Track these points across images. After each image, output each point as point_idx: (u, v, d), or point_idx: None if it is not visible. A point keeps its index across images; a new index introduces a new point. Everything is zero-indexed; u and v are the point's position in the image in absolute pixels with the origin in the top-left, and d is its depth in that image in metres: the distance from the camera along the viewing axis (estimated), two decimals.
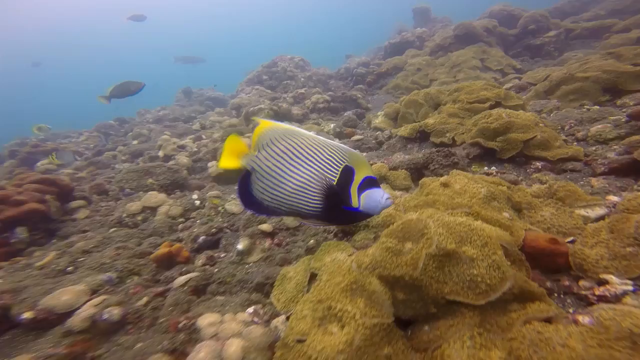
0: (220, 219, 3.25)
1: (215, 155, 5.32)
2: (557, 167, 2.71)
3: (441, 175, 2.57)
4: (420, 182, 2.15)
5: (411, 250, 1.34)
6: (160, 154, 5.93)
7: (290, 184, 1.28)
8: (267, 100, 7.92)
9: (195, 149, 5.99)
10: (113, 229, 3.21)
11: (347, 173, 1.25)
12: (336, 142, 1.31)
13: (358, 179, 1.26)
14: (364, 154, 3.92)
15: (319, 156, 1.26)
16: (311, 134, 1.31)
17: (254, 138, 1.34)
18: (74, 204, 3.66)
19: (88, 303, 2.15)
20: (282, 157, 1.29)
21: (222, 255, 2.77)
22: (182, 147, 6.24)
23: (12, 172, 6.37)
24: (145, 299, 2.25)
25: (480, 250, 1.29)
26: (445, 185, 1.93)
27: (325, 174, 1.25)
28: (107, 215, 3.68)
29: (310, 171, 1.26)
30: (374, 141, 4.20)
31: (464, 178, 1.98)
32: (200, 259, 2.66)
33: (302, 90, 8.33)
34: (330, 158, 1.26)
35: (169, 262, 2.62)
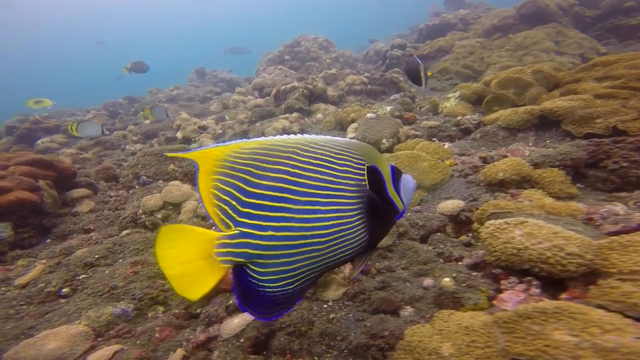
0: None
1: (245, 137, 4.47)
2: None
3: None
4: None
5: None
6: (179, 135, 5.11)
7: (319, 235, 0.78)
8: (294, 80, 7.04)
9: (220, 131, 5.16)
10: (126, 232, 2.39)
11: (374, 175, 0.89)
12: (332, 138, 0.88)
13: (386, 175, 0.91)
14: (446, 144, 3.04)
15: (334, 168, 0.83)
16: (297, 136, 0.84)
17: (206, 198, 0.75)
18: (76, 192, 2.86)
19: (90, 358, 1.35)
20: (286, 202, 0.76)
21: None
22: (203, 129, 5.42)
23: (9, 150, 5.63)
24: (180, 354, 1.45)
25: None
26: None
27: (354, 187, 0.85)
28: (117, 209, 2.87)
29: (338, 196, 0.82)
30: (454, 128, 3.31)
31: None
32: None
33: (334, 71, 7.42)
34: (348, 164, 0.86)
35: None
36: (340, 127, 4.45)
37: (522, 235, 1.25)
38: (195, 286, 0.75)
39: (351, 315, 1.57)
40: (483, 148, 2.81)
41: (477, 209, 1.80)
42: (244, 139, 0.79)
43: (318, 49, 10.58)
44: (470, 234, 1.80)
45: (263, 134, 4.45)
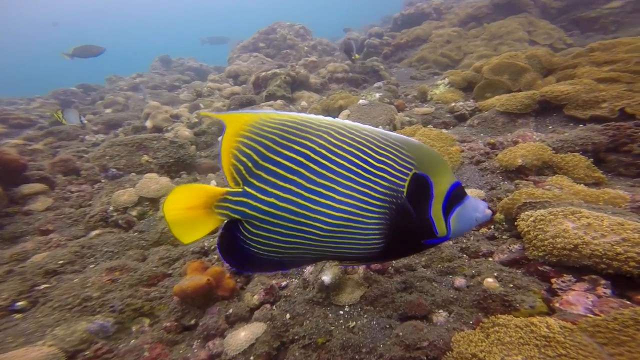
0: None
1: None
2: None
3: None
4: None
5: None
6: (149, 124, 4.63)
7: (321, 222, 0.76)
8: (274, 67, 6.69)
9: (196, 119, 4.73)
10: (95, 232, 2.03)
11: (421, 186, 0.78)
12: (383, 131, 0.79)
13: (440, 192, 0.79)
14: (443, 131, 2.93)
15: (367, 161, 0.76)
16: (336, 119, 0.78)
17: (225, 157, 0.76)
18: (27, 188, 2.41)
19: None
20: (299, 177, 0.75)
21: (283, 283, 1.72)
22: (175, 117, 4.96)
23: None
24: None
25: None
26: None
27: (385, 189, 0.77)
28: (81, 206, 2.46)
29: (359, 191, 0.76)
30: (448, 115, 3.22)
31: None
32: (256, 293, 1.60)
33: (314, 58, 7.16)
34: (388, 162, 0.77)
35: (205, 297, 1.53)
36: (327, 114, 4.24)
37: (578, 227, 1.12)
38: (190, 231, 0.78)
39: (375, 322, 1.39)
40: (482, 134, 2.74)
41: (500, 198, 1.68)
42: (274, 111, 0.76)
43: (295, 36, 10.23)
44: (493, 226, 1.68)
45: None
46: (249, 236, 0.78)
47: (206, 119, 4.67)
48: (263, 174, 0.75)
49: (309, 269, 1.76)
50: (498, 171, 1.92)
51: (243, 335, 1.31)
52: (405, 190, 0.77)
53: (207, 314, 1.54)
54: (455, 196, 0.81)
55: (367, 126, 0.79)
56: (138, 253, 1.80)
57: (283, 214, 0.75)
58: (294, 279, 1.78)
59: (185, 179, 2.90)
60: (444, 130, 2.92)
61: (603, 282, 1.04)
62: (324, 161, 0.74)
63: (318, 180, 0.74)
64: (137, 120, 5.07)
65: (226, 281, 1.62)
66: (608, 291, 1.03)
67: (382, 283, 1.57)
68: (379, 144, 0.76)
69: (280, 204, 0.74)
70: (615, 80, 2.22)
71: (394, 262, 1.69)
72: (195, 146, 3.58)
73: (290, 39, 10.11)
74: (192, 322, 1.51)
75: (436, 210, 0.79)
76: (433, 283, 1.48)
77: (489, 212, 0.85)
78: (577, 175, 1.63)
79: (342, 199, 0.74)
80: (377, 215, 0.76)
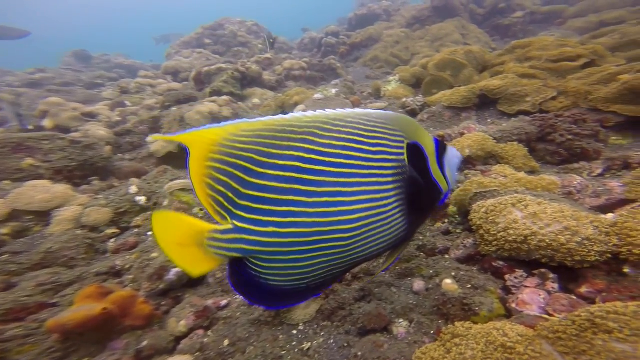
0: None
1: (156, 124, 3.63)
2: None
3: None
4: None
5: None
6: (47, 124, 3.84)
7: (340, 231, 0.69)
8: (220, 62, 6.21)
9: (118, 118, 4.12)
10: None
11: (416, 153, 0.78)
12: (363, 110, 0.77)
13: (431, 152, 0.81)
14: None
15: (363, 150, 0.71)
16: (318, 112, 0.73)
17: (199, 187, 0.66)
18: None
19: None
20: (297, 195, 0.66)
21: (223, 302, 1.44)
22: (91, 116, 4.22)
23: None
24: None
25: None
26: None
27: (391, 170, 0.73)
28: None
29: (367, 183, 0.71)
30: (400, 110, 3.20)
31: None
32: (183, 318, 1.30)
33: (269, 55, 6.82)
34: (383, 142, 0.74)
35: (101, 331, 1.19)
36: (282, 110, 4.02)
37: (525, 217, 1.03)
38: (193, 265, 0.69)
39: (332, 341, 1.18)
40: (432, 128, 2.73)
41: (453, 190, 1.60)
42: (245, 119, 0.66)
43: (247, 33, 9.73)
44: (447, 220, 1.58)
45: (182, 119, 3.67)
46: (262, 271, 0.69)
47: (131, 117, 4.09)
48: (251, 204, 0.65)
49: None
50: None
51: None
52: (406, 161, 0.75)
53: (107, 351, 1.20)
54: (441, 149, 0.83)
55: (348, 111, 0.72)
56: None
57: (291, 239, 0.66)
58: (237, 296, 1.51)
59: (98, 186, 2.42)
60: (402, 114, 2.88)
61: (551, 276, 0.97)
62: (318, 167, 0.66)
63: (319, 189, 0.66)
64: (32, 120, 4.23)
65: (139, 307, 1.29)
66: (556, 285, 0.96)
67: (340, 293, 1.37)
68: (366, 127, 0.71)
69: (284, 230, 0.66)
70: (533, 76, 2.35)
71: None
72: (111, 147, 3.07)
73: (242, 36, 9.54)
74: None
75: (435, 169, 0.80)
76: (392, 288, 1.33)
77: (459, 153, 0.88)
78: (516, 164, 1.66)
79: (354, 198, 0.68)
80: (393, 200, 0.72)
